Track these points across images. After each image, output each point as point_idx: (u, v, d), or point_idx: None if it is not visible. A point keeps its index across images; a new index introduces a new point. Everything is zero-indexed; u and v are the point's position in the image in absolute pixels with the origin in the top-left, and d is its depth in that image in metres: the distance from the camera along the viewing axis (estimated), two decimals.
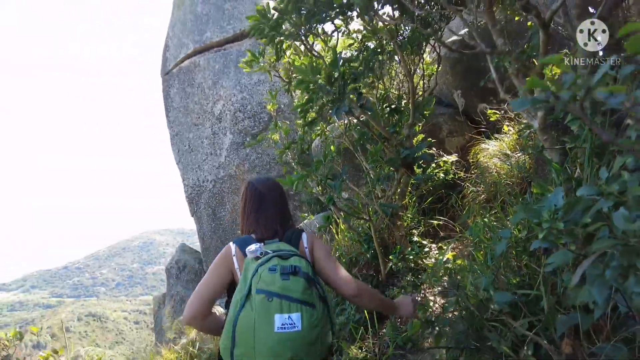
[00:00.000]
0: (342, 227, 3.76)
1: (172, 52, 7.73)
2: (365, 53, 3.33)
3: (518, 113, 3.40)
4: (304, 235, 1.68)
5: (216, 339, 4.47)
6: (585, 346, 1.40)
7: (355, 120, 3.43)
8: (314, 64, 3.33)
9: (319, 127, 3.74)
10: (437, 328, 1.98)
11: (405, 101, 3.73)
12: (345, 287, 1.66)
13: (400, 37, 3.58)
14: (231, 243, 1.65)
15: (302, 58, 3.52)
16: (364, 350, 2.75)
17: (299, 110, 2.90)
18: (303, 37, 3.14)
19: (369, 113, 2.91)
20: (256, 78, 6.76)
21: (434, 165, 4.05)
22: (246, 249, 1.51)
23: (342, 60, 2.65)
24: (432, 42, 4.02)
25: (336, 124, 3.83)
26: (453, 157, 4.18)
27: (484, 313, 1.83)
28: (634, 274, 0.90)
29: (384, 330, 2.89)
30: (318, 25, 3.14)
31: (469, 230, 2.58)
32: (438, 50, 4.03)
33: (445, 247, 3.01)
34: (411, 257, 3.08)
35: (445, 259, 2.55)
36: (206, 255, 7.47)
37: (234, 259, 1.59)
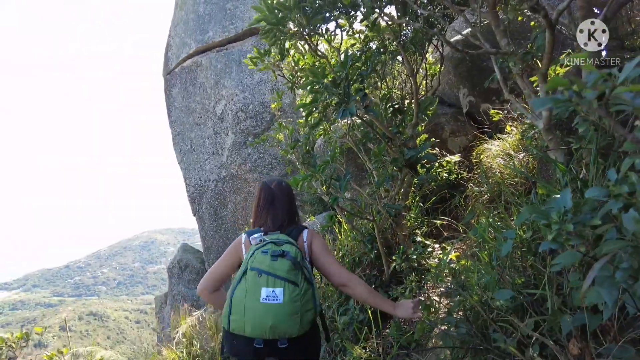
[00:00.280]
0: (346, 227, 3.76)
1: (174, 52, 7.73)
2: (367, 53, 3.32)
3: (521, 113, 3.40)
4: (306, 231, 1.94)
5: (216, 339, 4.51)
6: (592, 347, 1.40)
7: (358, 120, 3.43)
8: (318, 63, 3.33)
9: (322, 127, 3.73)
10: (443, 327, 1.99)
11: (408, 101, 3.73)
12: (335, 277, 1.91)
13: (403, 37, 3.58)
14: (243, 234, 1.96)
15: (306, 57, 3.51)
16: (367, 350, 2.75)
17: (301, 109, 2.90)
18: (307, 37, 3.14)
19: (372, 113, 2.91)
20: (258, 78, 6.75)
21: (437, 165, 4.04)
22: (250, 237, 1.84)
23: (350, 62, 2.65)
24: (435, 41, 4.01)
25: (339, 124, 3.83)
26: (456, 157, 4.18)
27: (490, 313, 1.83)
28: None
29: (388, 330, 2.89)
30: (322, 25, 3.13)
31: (472, 230, 2.58)
32: (441, 50, 4.03)
33: (448, 247, 3.01)
34: (414, 257, 3.08)
35: (448, 259, 2.55)
36: (208, 254, 7.47)
37: (242, 246, 1.90)
